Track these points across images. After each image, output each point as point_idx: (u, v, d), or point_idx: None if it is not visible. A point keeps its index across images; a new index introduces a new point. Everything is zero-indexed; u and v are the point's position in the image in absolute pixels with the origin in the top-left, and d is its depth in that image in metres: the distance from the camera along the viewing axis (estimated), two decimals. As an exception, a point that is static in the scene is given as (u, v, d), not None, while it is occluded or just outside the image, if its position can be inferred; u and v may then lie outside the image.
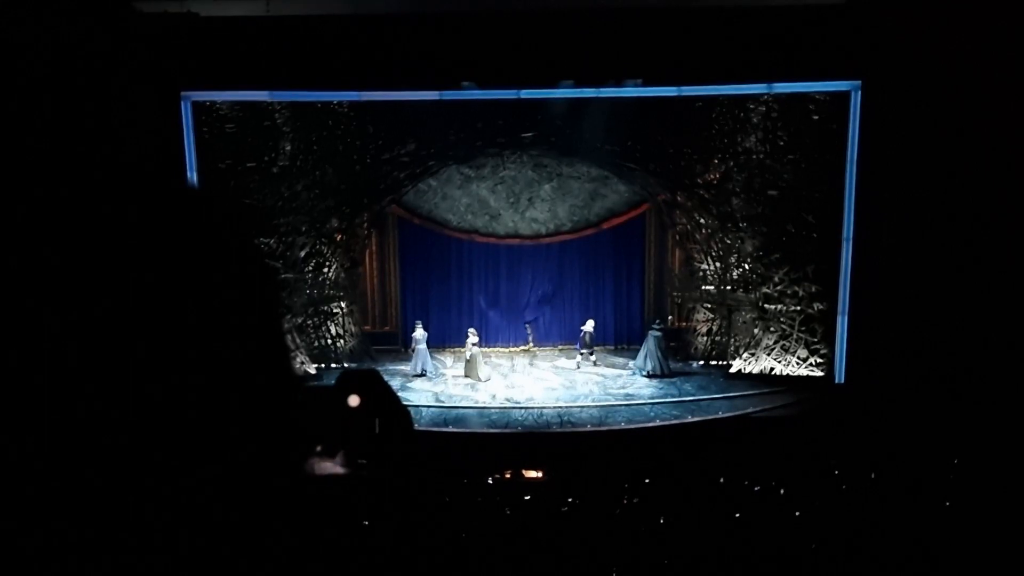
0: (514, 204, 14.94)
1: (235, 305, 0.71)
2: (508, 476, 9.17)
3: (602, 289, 15.57)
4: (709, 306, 13.93)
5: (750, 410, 11.82)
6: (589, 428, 11.22)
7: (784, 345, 12.98)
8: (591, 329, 14.09)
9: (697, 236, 13.79)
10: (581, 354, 14.03)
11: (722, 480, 7.67)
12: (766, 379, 12.96)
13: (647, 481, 7.89)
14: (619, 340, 15.47)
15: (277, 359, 0.77)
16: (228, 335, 0.69)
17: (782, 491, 7.28)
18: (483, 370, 13.35)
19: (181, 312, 0.65)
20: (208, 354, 0.67)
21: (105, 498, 0.61)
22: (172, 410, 0.63)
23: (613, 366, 14.23)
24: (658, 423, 11.32)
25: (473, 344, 13.28)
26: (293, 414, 0.78)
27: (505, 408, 12.05)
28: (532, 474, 9.40)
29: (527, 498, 7.37)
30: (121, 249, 0.63)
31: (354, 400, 1.69)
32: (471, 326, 13.85)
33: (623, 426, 11.24)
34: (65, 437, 0.59)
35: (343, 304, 13.84)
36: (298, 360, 12.53)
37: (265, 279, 0.77)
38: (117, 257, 0.62)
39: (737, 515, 6.14)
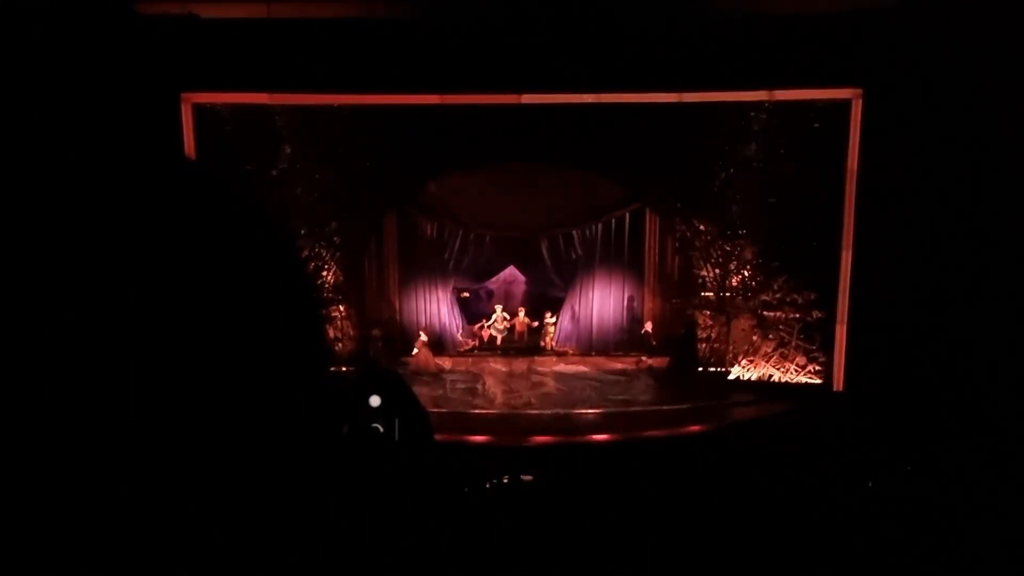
0: (513, 196, 14.79)
1: (260, 277, 0.70)
2: (505, 482, 9.14)
3: (604, 291, 15.55)
4: (708, 313, 13.92)
5: (748, 417, 11.81)
6: (587, 435, 11.21)
7: (783, 352, 12.99)
8: (650, 328, 14.42)
9: (696, 243, 13.78)
10: (645, 358, 14.37)
11: (720, 488, 7.65)
12: (765, 386, 12.96)
13: (645, 488, 7.86)
14: (618, 344, 15.42)
15: (309, 323, 0.76)
16: (256, 307, 0.68)
17: (780, 499, 7.27)
18: (420, 358, 13.95)
19: (204, 284, 0.64)
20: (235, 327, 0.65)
21: (131, 475, 0.60)
22: (197, 387, 0.62)
23: (611, 371, 14.22)
24: (656, 430, 11.30)
25: (423, 342, 14.00)
26: (323, 387, 0.77)
27: (502, 414, 12.03)
28: (526, 477, 9.37)
29: (524, 505, 7.35)
30: (137, 233, 0.62)
31: (375, 400, 1.68)
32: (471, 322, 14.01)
33: (621, 433, 11.22)
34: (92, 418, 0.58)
35: (342, 307, 13.84)
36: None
37: (287, 244, 0.76)
38: (133, 240, 0.61)
39: (734, 523, 6.12)
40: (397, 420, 1.64)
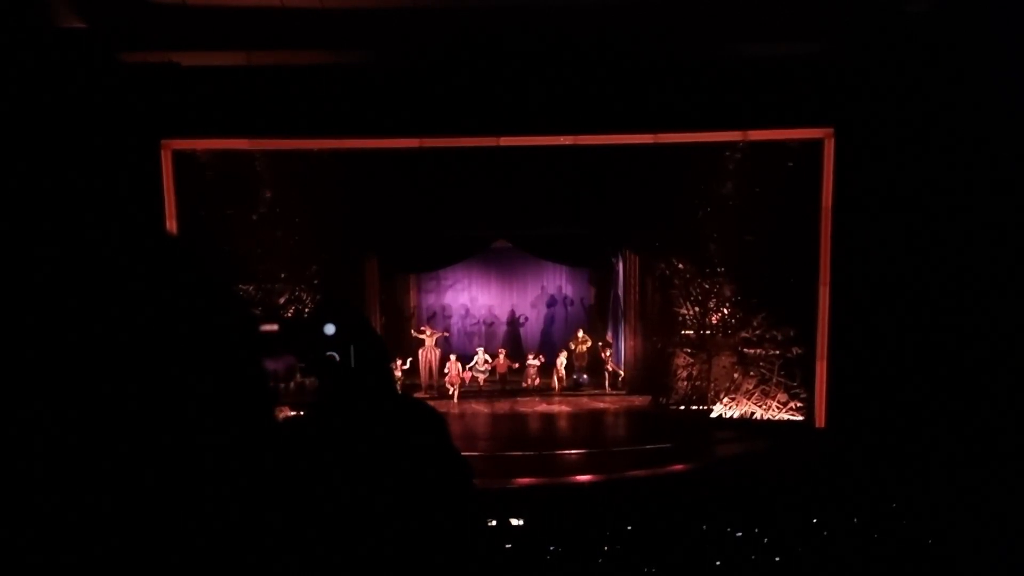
0: (492, 218, 14.69)
1: (212, 341, 0.72)
2: (492, 524, 9.02)
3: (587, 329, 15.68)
4: (689, 351, 13.95)
5: (731, 455, 11.78)
6: (571, 475, 11.12)
7: (764, 389, 13.02)
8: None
9: (676, 281, 13.87)
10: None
11: (704, 527, 7.61)
12: (747, 424, 12.96)
13: (629, 528, 7.81)
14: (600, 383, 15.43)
15: (253, 397, 0.78)
16: (204, 369, 0.70)
17: (765, 539, 7.23)
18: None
19: (155, 352, 0.66)
20: (183, 388, 0.68)
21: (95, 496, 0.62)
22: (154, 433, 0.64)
23: (592, 410, 14.17)
24: (640, 470, 11.23)
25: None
26: (269, 451, 0.79)
27: (488, 454, 11.92)
28: (515, 522, 9.26)
29: (509, 546, 7.26)
30: (101, 290, 0.64)
31: (330, 328, 1.73)
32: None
33: (605, 472, 11.14)
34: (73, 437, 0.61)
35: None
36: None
37: (240, 320, 0.78)
38: (97, 296, 0.63)
39: (718, 563, 6.08)
40: (352, 346, 1.68)
